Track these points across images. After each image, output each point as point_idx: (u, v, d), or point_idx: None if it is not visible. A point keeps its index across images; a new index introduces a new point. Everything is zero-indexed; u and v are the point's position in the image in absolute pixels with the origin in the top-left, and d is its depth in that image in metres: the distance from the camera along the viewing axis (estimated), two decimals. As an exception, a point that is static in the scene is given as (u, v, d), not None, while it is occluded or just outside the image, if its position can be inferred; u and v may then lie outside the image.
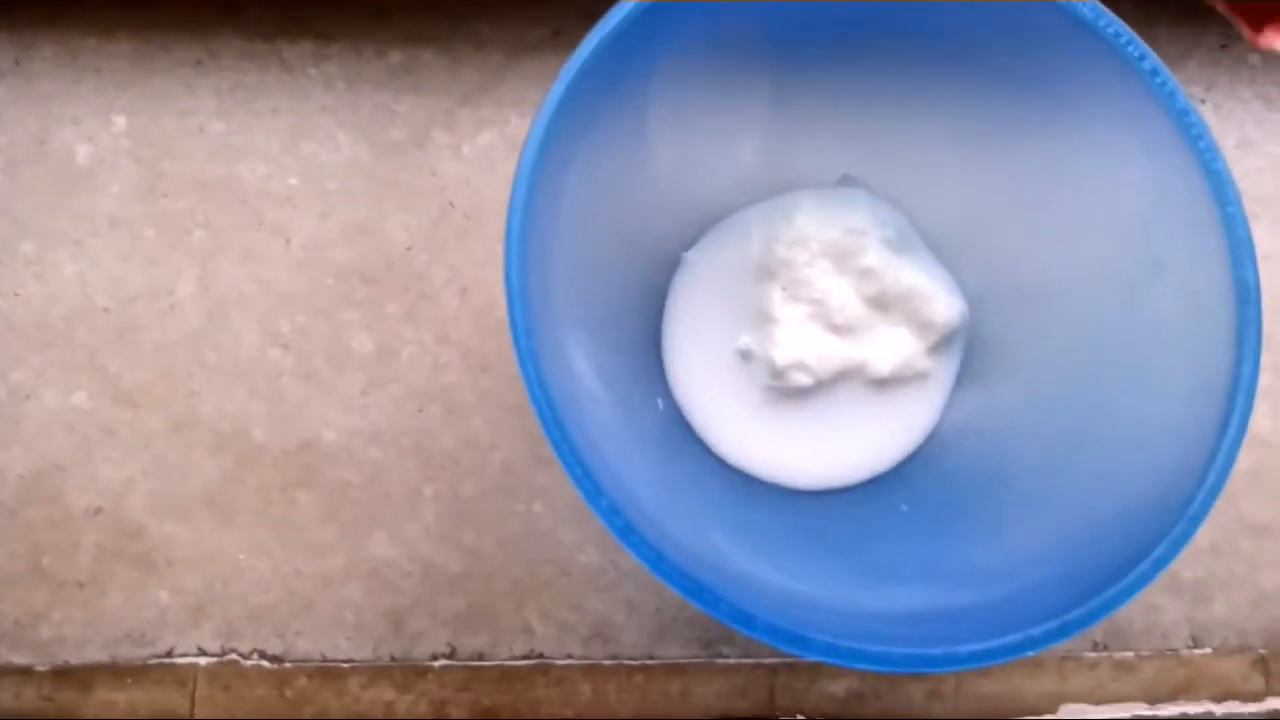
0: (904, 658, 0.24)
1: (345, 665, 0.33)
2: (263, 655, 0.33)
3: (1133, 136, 0.28)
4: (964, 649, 0.24)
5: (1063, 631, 0.25)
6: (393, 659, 0.33)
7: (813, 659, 0.24)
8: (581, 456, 0.24)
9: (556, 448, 0.24)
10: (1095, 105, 0.29)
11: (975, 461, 0.32)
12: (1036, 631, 0.24)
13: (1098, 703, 0.34)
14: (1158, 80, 0.27)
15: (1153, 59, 0.27)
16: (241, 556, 0.33)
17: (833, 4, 0.29)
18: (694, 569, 0.24)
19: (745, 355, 0.33)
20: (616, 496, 0.24)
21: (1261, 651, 0.35)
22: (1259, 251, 0.27)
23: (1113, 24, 0.27)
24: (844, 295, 0.32)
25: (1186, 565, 0.35)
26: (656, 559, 0.24)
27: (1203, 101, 0.37)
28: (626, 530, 0.24)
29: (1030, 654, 0.25)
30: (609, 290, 0.32)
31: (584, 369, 0.29)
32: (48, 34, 0.35)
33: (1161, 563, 0.25)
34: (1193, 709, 0.34)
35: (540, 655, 0.33)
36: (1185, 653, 0.35)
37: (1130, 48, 0.27)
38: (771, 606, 0.25)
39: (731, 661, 0.33)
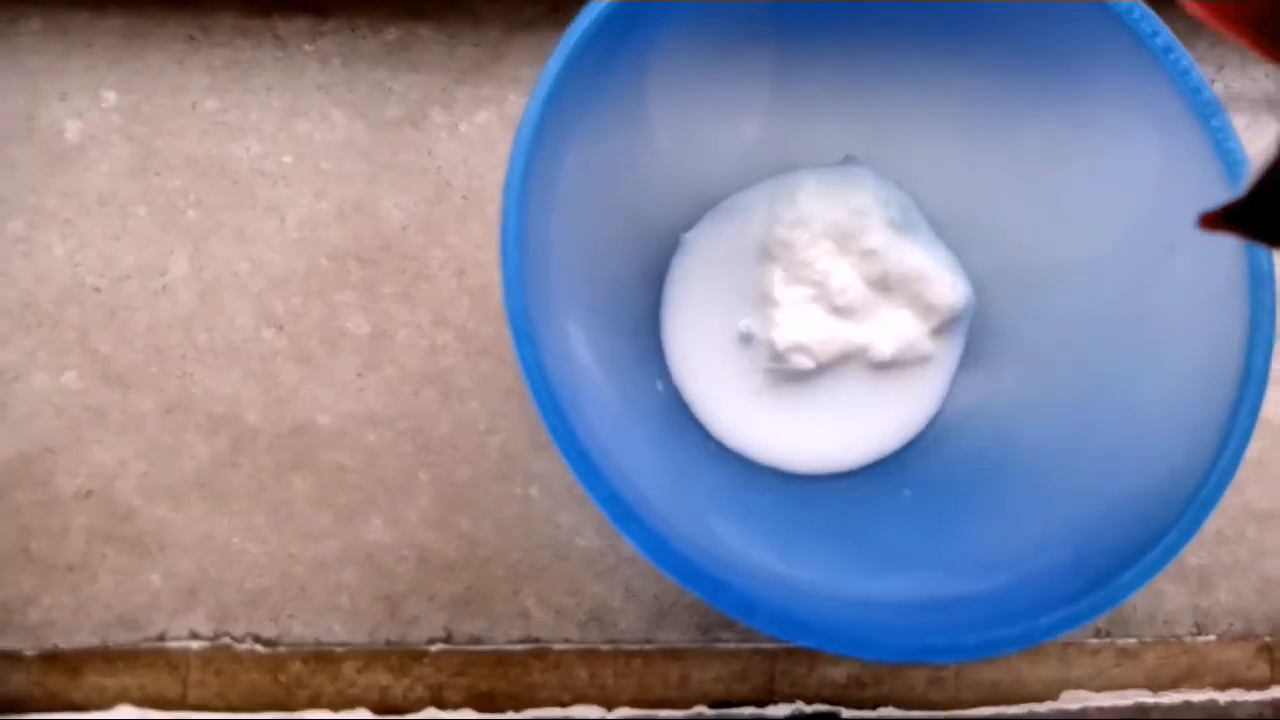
0: (907, 647, 0.23)
1: (340, 650, 0.32)
2: (256, 639, 0.32)
3: (1144, 115, 0.28)
4: (969, 639, 0.24)
5: (1069, 622, 0.24)
6: (388, 643, 0.32)
7: (815, 648, 0.23)
8: (580, 443, 0.23)
9: (554, 434, 0.23)
10: (1106, 82, 0.28)
11: (979, 446, 0.31)
12: (1043, 621, 0.24)
13: (1100, 689, 0.34)
14: (1170, 57, 0.26)
15: (1166, 35, 0.26)
16: (235, 540, 0.33)
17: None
18: (694, 556, 0.24)
19: (746, 338, 0.32)
20: (616, 483, 0.24)
21: (1266, 639, 0.34)
22: (1271, 234, 0.26)
23: (1124, -1, 0.26)
24: (846, 277, 0.31)
25: (1192, 552, 0.34)
26: (656, 546, 0.23)
27: (1214, 81, 0.37)
28: (625, 517, 0.23)
29: (1035, 644, 0.24)
30: (608, 272, 0.31)
31: (582, 352, 0.29)
32: (36, 7, 0.35)
33: (1171, 551, 0.25)
34: (1196, 696, 0.34)
35: (537, 640, 0.33)
36: (1189, 640, 0.34)
37: (1143, 24, 0.26)
38: (772, 594, 0.25)
39: (731, 646, 0.33)
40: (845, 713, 0.33)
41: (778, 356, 0.31)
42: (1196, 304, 0.28)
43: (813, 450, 0.32)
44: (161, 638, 0.32)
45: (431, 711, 0.32)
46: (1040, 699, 0.34)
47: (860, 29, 0.30)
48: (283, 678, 0.32)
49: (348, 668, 0.32)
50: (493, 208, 0.34)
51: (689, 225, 0.33)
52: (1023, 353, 0.32)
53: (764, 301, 0.32)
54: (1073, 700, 0.34)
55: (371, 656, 0.32)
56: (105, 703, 0.32)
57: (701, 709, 0.33)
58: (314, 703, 0.32)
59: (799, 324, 0.31)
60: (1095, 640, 0.34)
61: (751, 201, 0.33)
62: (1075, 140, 0.29)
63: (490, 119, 0.35)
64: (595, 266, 0.30)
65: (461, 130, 0.35)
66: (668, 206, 0.33)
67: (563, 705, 0.32)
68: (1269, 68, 0.37)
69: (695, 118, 0.31)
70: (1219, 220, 0.18)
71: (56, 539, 0.32)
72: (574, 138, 0.27)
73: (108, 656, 0.32)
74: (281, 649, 0.32)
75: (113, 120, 0.34)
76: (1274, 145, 0.17)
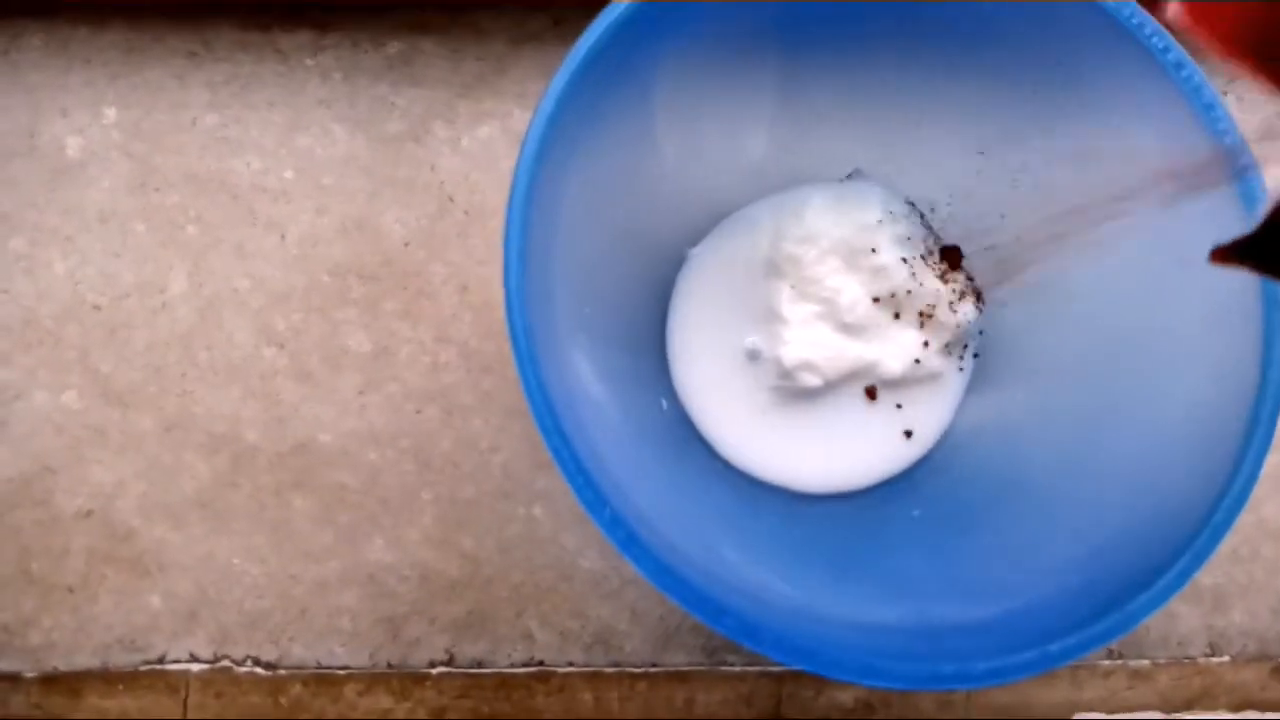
0: (916, 675, 0.23)
1: (341, 673, 0.32)
2: (257, 662, 0.32)
3: (1154, 130, 0.27)
4: (978, 666, 0.23)
5: (1081, 647, 0.24)
6: (390, 666, 0.32)
7: (821, 674, 0.23)
8: (583, 464, 0.23)
9: (556, 455, 0.23)
10: (1117, 98, 0.28)
11: (989, 466, 0.31)
12: (1054, 647, 0.24)
13: (1112, 711, 0.33)
14: (1182, 74, 0.26)
15: (1178, 51, 0.26)
16: (235, 561, 0.32)
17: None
18: (698, 580, 0.23)
19: (752, 355, 0.32)
20: (619, 505, 0.23)
21: (1281, 660, 0.34)
22: (1285, 249, 0.26)
23: (1136, 14, 0.26)
24: (854, 294, 0.31)
25: (1206, 572, 0.34)
26: (658, 569, 0.23)
27: (1225, 93, 0.36)
28: (629, 541, 0.23)
29: (1046, 671, 0.24)
30: (612, 288, 0.31)
31: (586, 369, 0.28)
32: (37, 23, 0.34)
33: (1185, 575, 0.24)
34: (1209, 718, 0.33)
35: (541, 663, 0.32)
36: (1203, 661, 0.34)
37: (1155, 39, 0.26)
38: (778, 618, 0.24)
39: (737, 669, 0.33)
40: (853, 735, 0.32)
41: (785, 374, 0.31)
42: (1208, 320, 0.27)
43: (820, 469, 0.31)
44: (161, 660, 0.32)
45: (433, 735, 0.32)
46: (1052, 721, 0.33)
47: (867, 42, 0.29)
48: (283, 700, 0.32)
49: (349, 690, 0.32)
50: (495, 223, 0.34)
51: (695, 240, 0.33)
52: (1032, 370, 0.31)
53: (771, 318, 0.31)
54: (1085, 723, 0.33)
55: (373, 679, 0.32)
56: (105, 725, 0.31)
57: (707, 734, 0.32)
58: (315, 726, 0.32)
59: (807, 341, 0.31)
60: (1107, 662, 0.33)
61: (758, 216, 0.32)
62: (1086, 155, 0.29)
63: (493, 134, 0.35)
64: (599, 282, 0.30)
65: (464, 145, 0.35)
66: (673, 221, 0.32)
67: (566, 729, 0.32)
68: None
69: (701, 132, 0.31)
70: (1231, 254, 0.18)
71: (57, 560, 0.32)
72: (578, 153, 0.26)
73: (108, 678, 0.32)
74: (282, 672, 0.32)
75: (113, 137, 0.34)
76: None
